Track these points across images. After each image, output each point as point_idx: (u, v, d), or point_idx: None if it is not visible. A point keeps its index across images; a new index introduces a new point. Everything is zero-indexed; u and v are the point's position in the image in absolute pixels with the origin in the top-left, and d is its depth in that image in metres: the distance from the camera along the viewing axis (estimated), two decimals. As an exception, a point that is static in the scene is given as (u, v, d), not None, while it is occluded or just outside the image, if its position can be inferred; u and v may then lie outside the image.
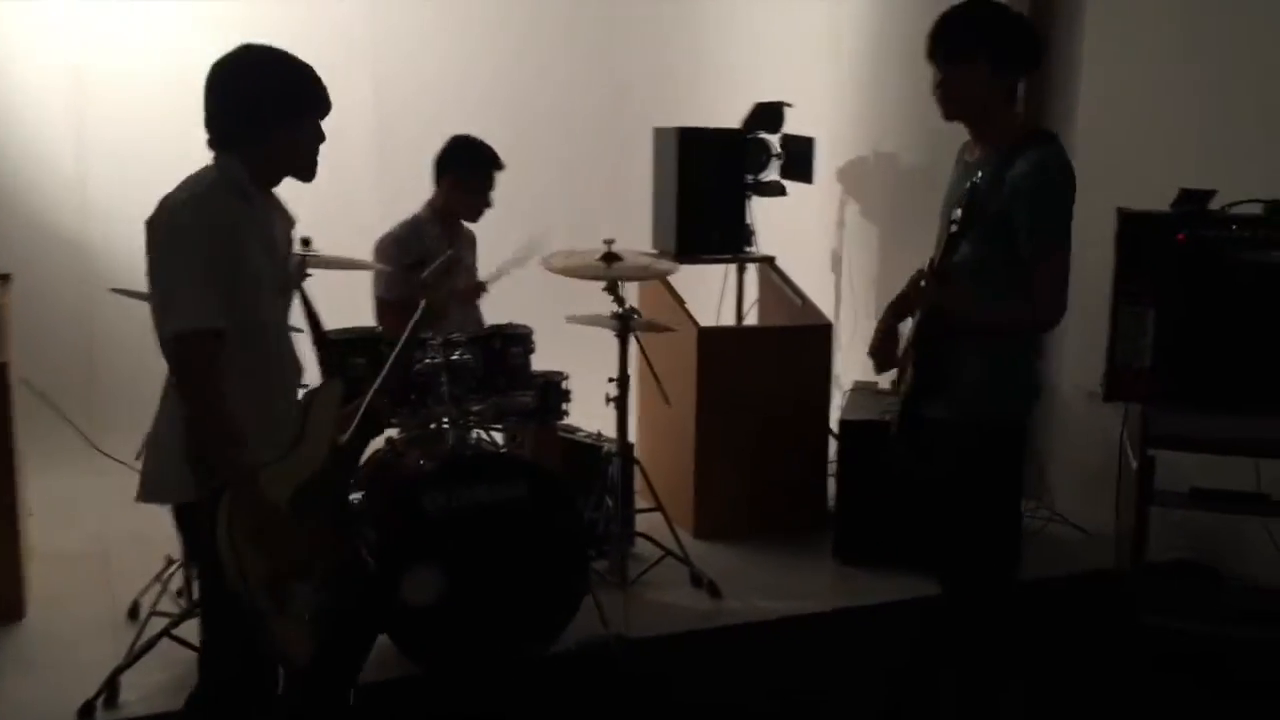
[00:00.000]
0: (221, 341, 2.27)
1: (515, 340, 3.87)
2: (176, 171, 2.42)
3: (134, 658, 3.46)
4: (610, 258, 4.00)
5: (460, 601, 3.48)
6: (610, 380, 4.09)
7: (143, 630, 3.64)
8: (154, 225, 2.31)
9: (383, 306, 4.45)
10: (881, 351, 3.01)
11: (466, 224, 4.59)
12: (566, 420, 4.40)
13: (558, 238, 4.34)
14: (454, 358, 3.69)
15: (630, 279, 4.08)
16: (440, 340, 3.73)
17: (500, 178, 4.43)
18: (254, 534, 2.26)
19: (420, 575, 3.42)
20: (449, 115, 5.18)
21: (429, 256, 4.40)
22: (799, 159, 5.63)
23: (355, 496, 3.60)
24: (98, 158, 5.47)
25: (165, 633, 3.53)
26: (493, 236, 4.64)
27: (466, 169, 4.36)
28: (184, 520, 2.43)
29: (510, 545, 3.55)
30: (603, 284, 3.96)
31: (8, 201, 5.28)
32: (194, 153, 2.45)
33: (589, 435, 4.74)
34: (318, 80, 2.45)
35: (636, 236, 5.23)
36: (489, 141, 4.43)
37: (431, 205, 4.46)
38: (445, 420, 3.68)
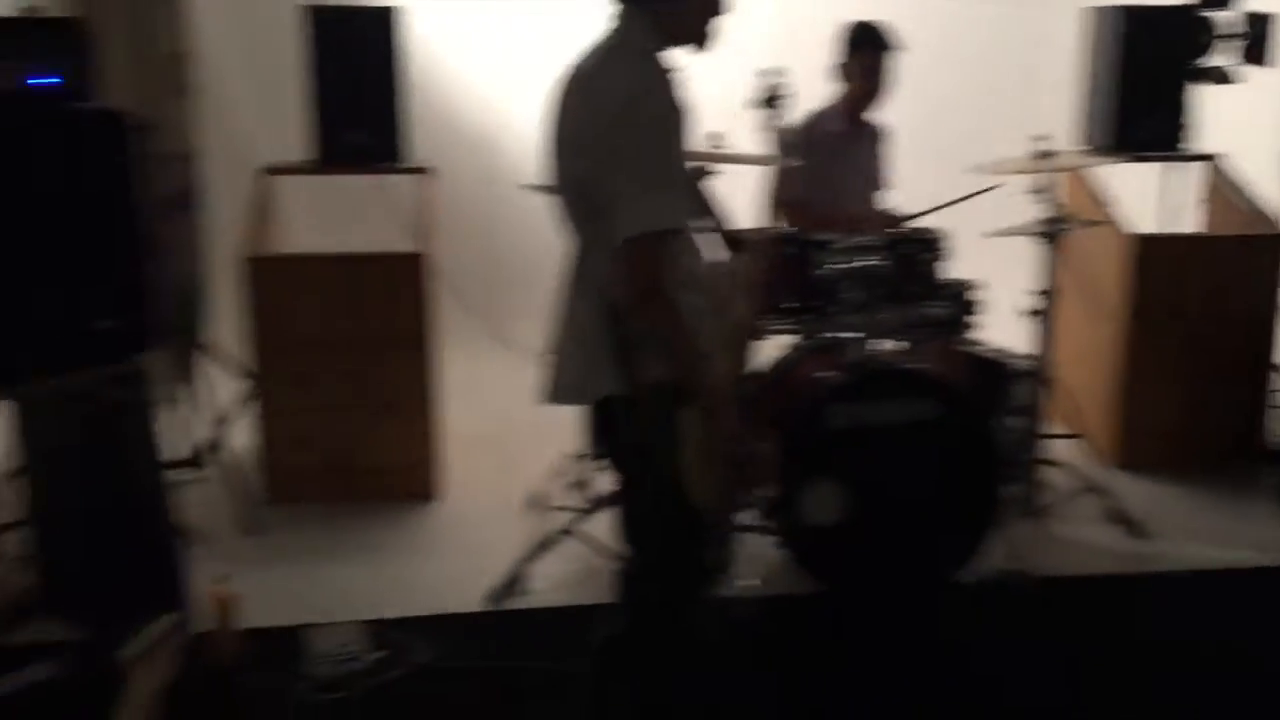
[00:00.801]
0: (673, 242, 2.15)
1: (926, 246, 3.56)
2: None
3: (537, 550, 3.54)
4: (1044, 156, 3.58)
5: (860, 521, 3.28)
6: (1032, 294, 3.70)
7: (543, 522, 3.72)
8: (601, 113, 2.14)
9: (791, 206, 4.26)
10: None
11: (872, 119, 4.29)
12: (971, 334, 4.07)
13: (970, 133, 3.97)
14: (860, 263, 3.44)
15: (1064, 169, 3.63)
16: (846, 244, 3.49)
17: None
18: (724, 443, 2.16)
19: (821, 491, 3.26)
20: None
21: (822, 152, 4.18)
22: (1254, 39, 4.85)
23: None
24: (512, 53, 5.58)
25: (567, 530, 3.59)
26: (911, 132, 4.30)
27: (845, 52, 4.05)
28: (607, 415, 2.32)
29: (916, 467, 3.31)
30: (1026, 188, 3.57)
31: (427, 97, 5.50)
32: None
33: (995, 350, 4.36)
34: None
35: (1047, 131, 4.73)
36: (893, 25, 4.07)
37: (835, 97, 4.20)
38: (848, 330, 3.45)
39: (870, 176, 4.27)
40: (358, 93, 4.19)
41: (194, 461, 4.07)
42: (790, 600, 3.37)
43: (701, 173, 3.62)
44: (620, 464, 2.36)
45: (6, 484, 3.48)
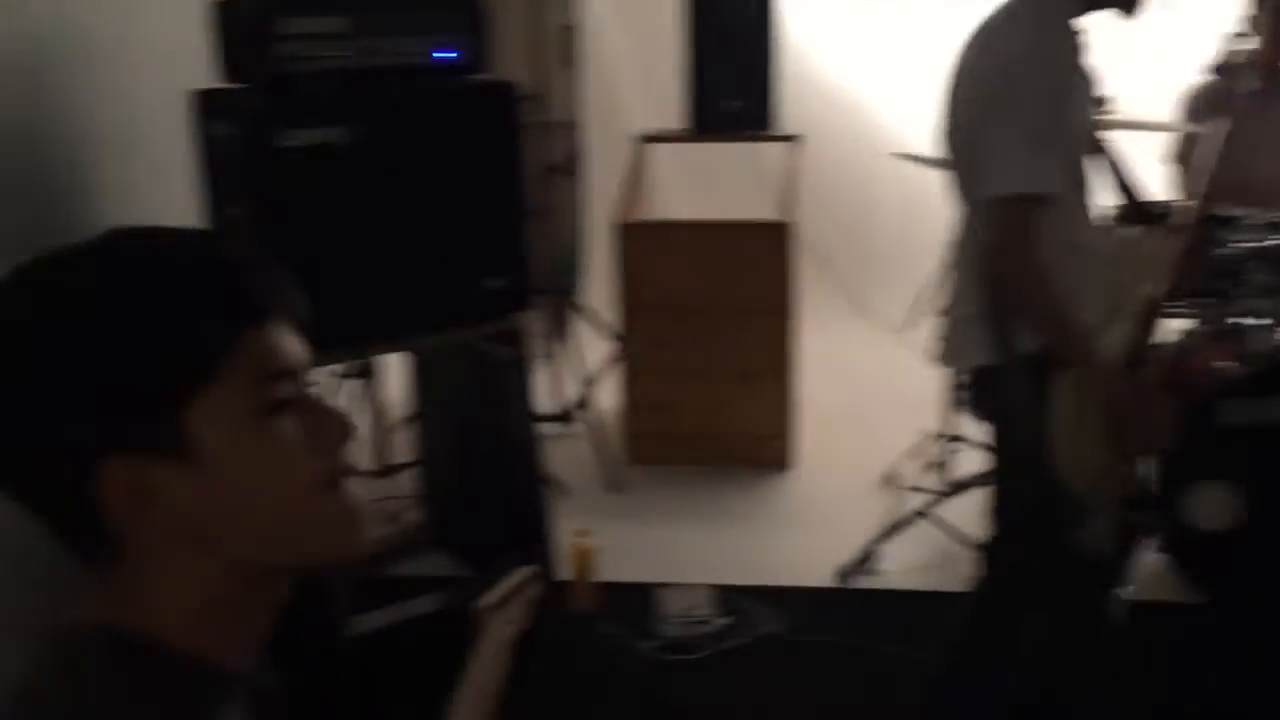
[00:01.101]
0: (1045, 208, 2.03)
1: (1359, 225, 3.14)
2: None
3: (890, 530, 3.45)
4: None
5: (1254, 529, 2.96)
6: None
7: (898, 502, 3.63)
8: (994, 66, 2.08)
9: (1183, 176, 3.90)
10: None
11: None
12: None
13: None
14: (1272, 241, 3.07)
15: None
16: (1257, 220, 3.13)
17: None
18: (1096, 418, 2.03)
19: (1209, 494, 2.96)
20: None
21: (1234, 115, 3.75)
22: None
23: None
24: (884, 22, 5.45)
25: (922, 512, 3.48)
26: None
27: (1255, 3, 3.59)
28: (979, 384, 2.27)
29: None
30: None
31: (798, 66, 5.46)
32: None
33: None
34: None
35: None
36: None
37: (1246, 54, 3.77)
38: (1252, 316, 3.10)
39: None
40: (732, 62, 4.22)
41: (563, 417, 4.28)
42: (1166, 609, 3.09)
43: (1102, 142, 3.41)
44: (990, 434, 2.27)
45: (405, 427, 3.81)
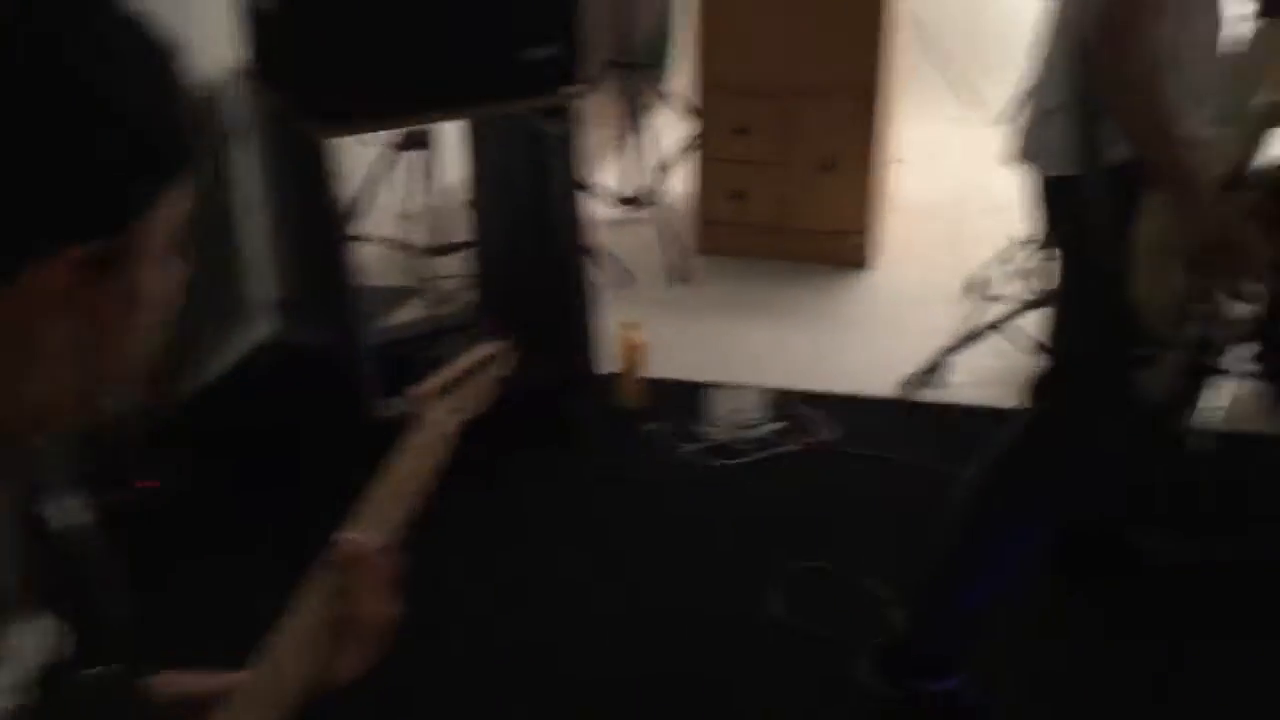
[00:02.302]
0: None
1: None
2: None
3: (964, 341, 3.23)
4: None
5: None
6: None
7: (978, 310, 3.38)
8: None
9: None
10: None
11: None
12: None
13: None
14: None
15: None
16: None
17: None
18: (1187, 246, 1.77)
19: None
20: None
21: None
22: None
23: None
24: None
25: (996, 324, 3.23)
26: None
27: None
28: (1054, 195, 1.97)
29: None
30: None
31: None
32: None
33: None
34: None
35: None
36: None
37: None
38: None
39: None
40: None
41: (635, 201, 4.08)
42: (1259, 441, 2.84)
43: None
44: (1063, 248, 2.01)
45: (463, 205, 3.66)
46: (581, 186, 2.98)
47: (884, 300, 3.71)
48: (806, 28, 3.69)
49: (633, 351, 3.04)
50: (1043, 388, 2.04)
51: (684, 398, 3.05)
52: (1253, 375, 2.76)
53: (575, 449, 2.93)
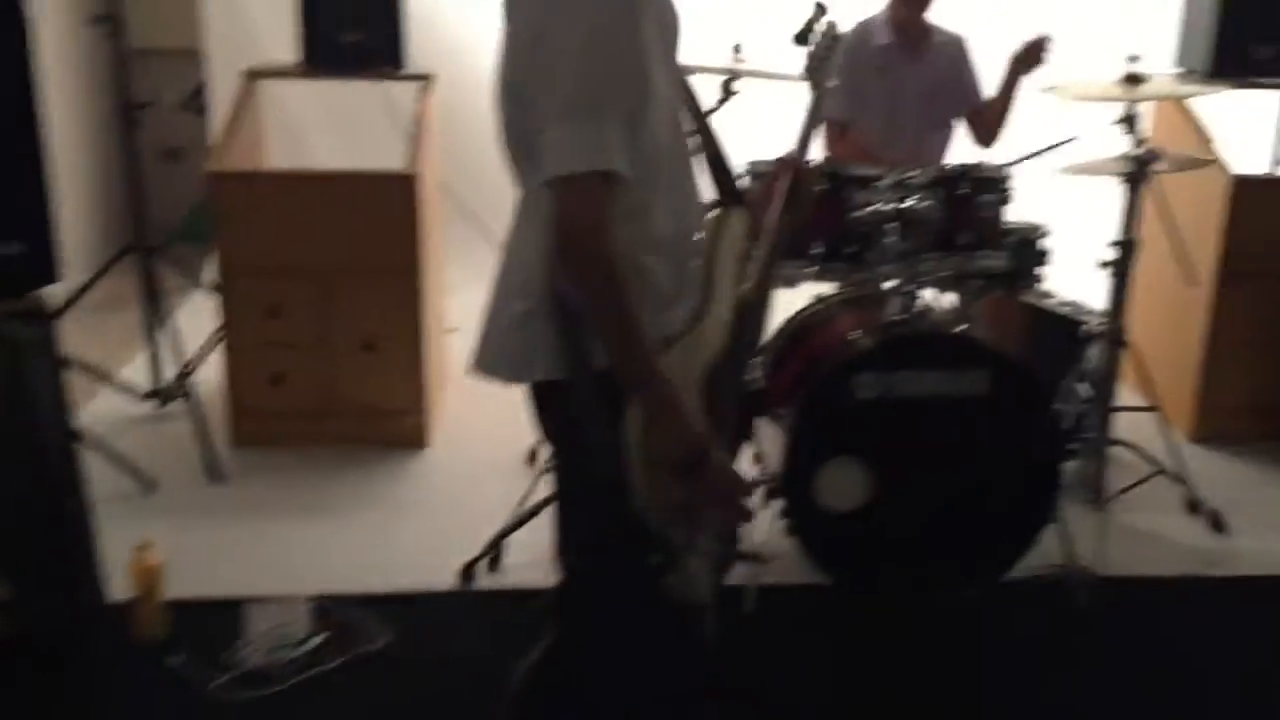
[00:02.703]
0: (618, 188, 1.61)
1: (988, 185, 3.01)
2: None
3: (523, 518, 3.12)
4: (1132, 80, 3.00)
5: (888, 510, 2.81)
6: (1110, 245, 3.15)
7: (538, 483, 3.30)
8: (537, 9, 1.64)
9: (828, 129, 3.73)
10: None
11: (938, 31, 3.71)
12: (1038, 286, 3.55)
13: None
14: (907, 204, 2.90)
15: (1153, 97, 3.04)
16: (891, 180, 2.96)
17: None
18: (673, 459, 1.66)
19: (842, 473, 2.78)
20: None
21: (868, 71, 3.62)
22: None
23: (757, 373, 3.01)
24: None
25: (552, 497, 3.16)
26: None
27: None
28: (542, 401, 1.82)
29: (959, 447, 2.81)
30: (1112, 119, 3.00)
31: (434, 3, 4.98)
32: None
33: (1065, 304, 3.81)
34: None
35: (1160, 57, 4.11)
36: None
37: (888, 8, 3.64)
38: (888, 281, 2.94)
39: (935, 100, 3.70)
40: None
41: (162, 395, 3.71)
42: (795, 592, 2.91)
43: (728, 91, 3.15)
44: (558, 457, 1.89)
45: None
46: (65, 399, 2.61)
47: (442, 481, 3.55)
48: (334, 206, 3.55)
49: (148, 575, 2.67)
50: (560, 607, 1.91)
51: (215, 620, 2.70)
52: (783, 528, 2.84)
53: (83, 696, 2.51)
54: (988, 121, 3.65)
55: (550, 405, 1.78)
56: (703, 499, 1.67)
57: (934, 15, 3.68)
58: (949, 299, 3.73)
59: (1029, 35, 3.43)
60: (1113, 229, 3.19)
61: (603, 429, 1.66)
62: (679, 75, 1.83)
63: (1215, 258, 3.71)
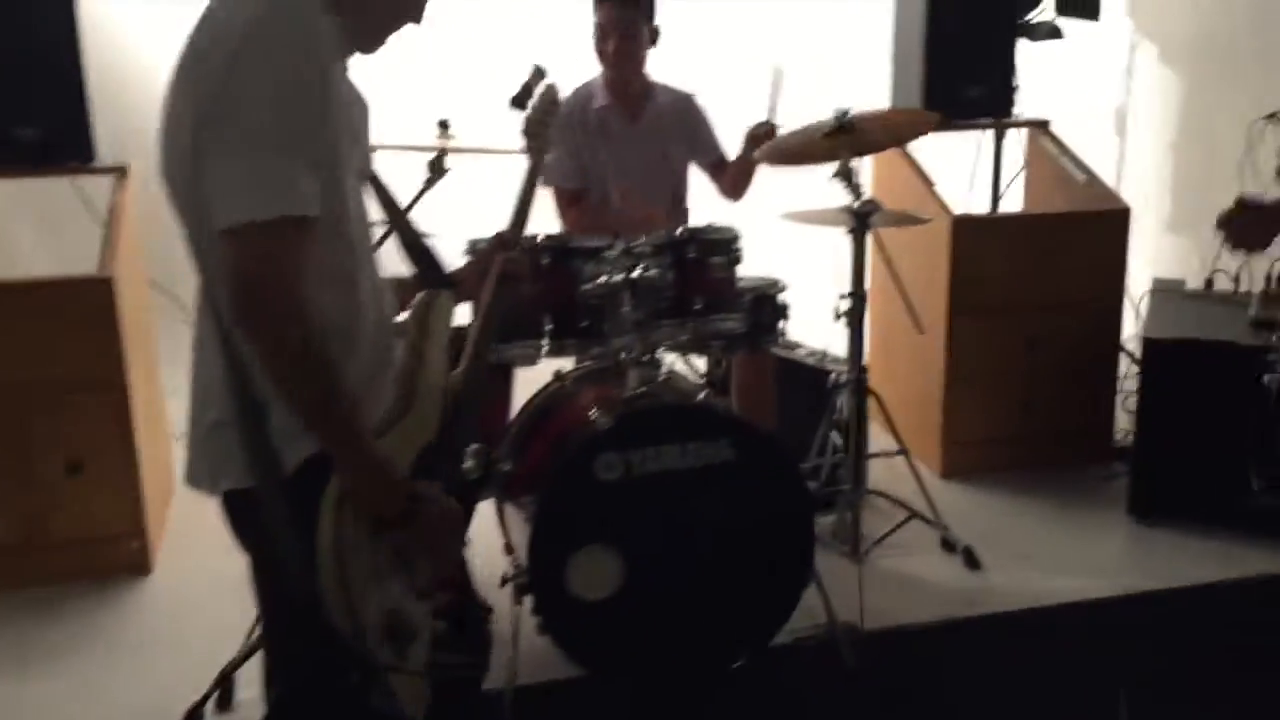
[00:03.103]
0: (304, 243, 1.49)
1: (716, 247, 2.95)
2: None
3: (254, 648, 2.83)
4: (842, 130, 3.02)
5: (640, 592, 2.68)
6: (841, 297, 3.15)
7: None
8: (207, 60, 1.52)
9: (558, 199, 3.63)
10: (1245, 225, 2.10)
11: (669, 92, 3.67)
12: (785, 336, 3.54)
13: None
14: (636, 273, 2.80)
15: (868, 152, 3.06)
16: (619, 249, 2.87)
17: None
18: (385, 515, 1.56)
19: (590, 560, 2.64)
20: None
21: (589, 136, 3.56)
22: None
23: (505, 460, 2.85)
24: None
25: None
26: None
27: (595, 8, 3.44)
28: (236, 512, 1.68)
29: (710, 521, 2.71)
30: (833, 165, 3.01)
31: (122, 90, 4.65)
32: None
33: (812, 354, 3.83)
34: None
35: (874, 101, 4.21)
36: None
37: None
38: (625, 353, 2.83)
39: (664, 159, 3.65)
40: (29, 79, 3.38)
41: None
42: (555, 689, 2.75)
43: (440, 169, 3.00)
44: (254, 571, 1.72)
45: None
46: None
47: (167, 610, 3.21)
48: (23, 316, 3.21)
49: None
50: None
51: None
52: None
53: None
54: (732, 177, 3.63)
55: (243, 516, 1.64)
56: (417, 550, 1.55)
57: (661, 74, 3.65)
58: (700, 361, 3.70)
59: (758, 118, 3.39)
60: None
61: (294, 538, 1.52)
62: (366, 161, 1.72)
63: (944, 296, 3.79)
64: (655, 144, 3.62)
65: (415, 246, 1.86)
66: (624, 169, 3.57)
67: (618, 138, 3.58)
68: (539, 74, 2.18)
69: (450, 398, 1.75)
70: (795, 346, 3.87)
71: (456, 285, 1.88)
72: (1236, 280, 3.88)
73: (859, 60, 4.65)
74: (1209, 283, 3.94)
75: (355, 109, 1.67)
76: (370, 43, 1.67)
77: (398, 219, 1.86)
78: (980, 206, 4.51)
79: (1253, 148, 4.24)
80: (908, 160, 3.96)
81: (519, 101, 2.14)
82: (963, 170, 4.54)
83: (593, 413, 2.72)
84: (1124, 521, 3.60)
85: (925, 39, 3.99)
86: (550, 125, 2.18)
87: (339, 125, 1.55)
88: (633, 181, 3.53)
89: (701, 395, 2.82)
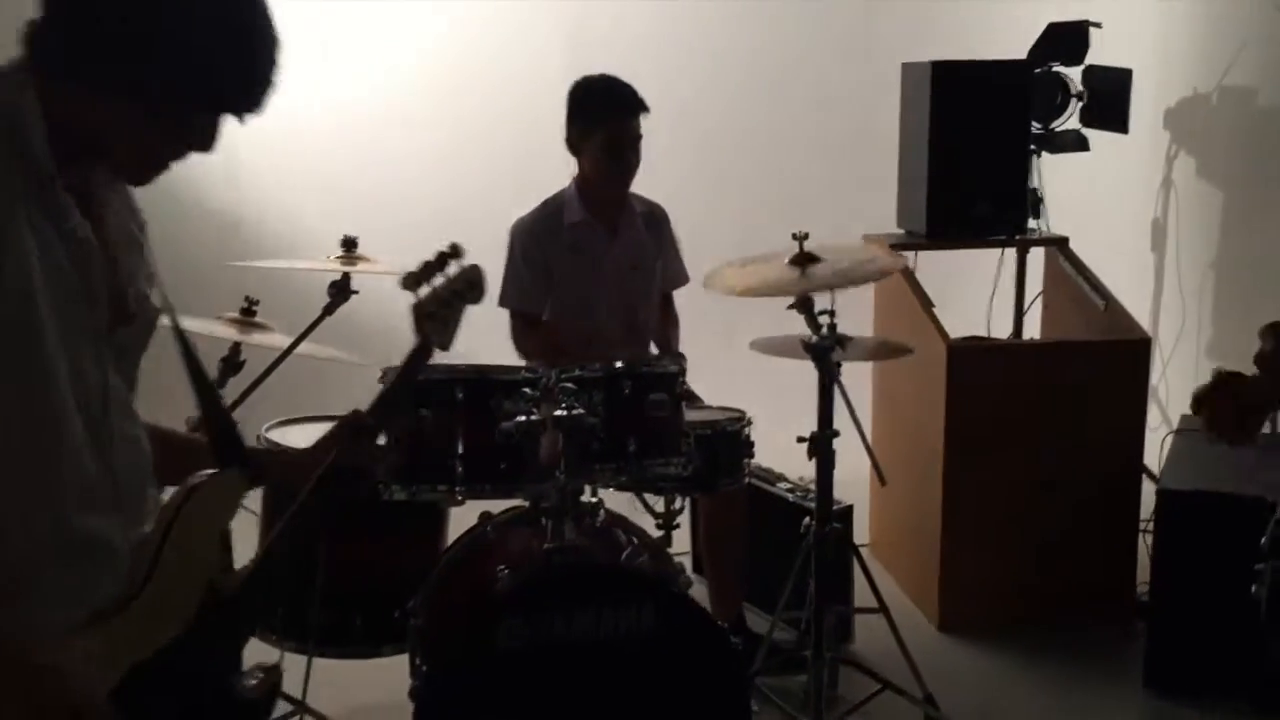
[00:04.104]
0: None
1: (655, 383, 2.64)
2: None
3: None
4: (805, 259, 2.72)
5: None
6: (800, 440, 2.82)
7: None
8: None
9: (514, 324, 3.37)
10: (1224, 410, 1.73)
11: (643, 203, 3.43)
12: (760, 463, 3.26)
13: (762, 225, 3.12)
14: (561, 412, 2.50)
15: (830, 287, 2.75)
16: (547, 383, 2.57)
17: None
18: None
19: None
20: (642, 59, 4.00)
21: (561, 253, 3.32)
22: (1108, 99, 4.11)
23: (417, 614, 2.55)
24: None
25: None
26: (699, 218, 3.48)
27: (584, 117, 3.20)
28: None
29: (631, 696, 2.38)
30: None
31: None
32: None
33: (794, 488, 3.48)
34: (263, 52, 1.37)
35: (886, 217, 3.96)
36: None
37: (575, 178, 3.34)
38: (543, 501, 2.53)
39: (639, 273, 3.39)
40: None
41: None
42: None
43: (345, 292, 2.76)
44: None
45: None
46: None
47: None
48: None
49: None
50: None
51: None
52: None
53: None
54: (667, 320, 3.43)
55: None
56: None
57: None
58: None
59: None
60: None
61: None
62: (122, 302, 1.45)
63: (941, 431, 3.45)
64: (633, 255, 3.38)
65: (216, 420, 1.58)
66: (599, 287, 3.32)
67: (593, 253, 3.32)
68: (453, 253, 1.86)
69: (219, 594, 1.46)
70: (776, 478, 3.54)
71: (257, 468, 1.60)
72: (1274, 422, 3.47)
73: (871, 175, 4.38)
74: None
75: (92, 257, 1.38)
76: (135, 176, 1.42)
77: (203, 391, 1.58)
78: (1002, 330, 4.17)
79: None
80: (907, 278, 3.64)
81: (416, 281, 1.81)
82: (983, 291, 4.21)
83: (502, 570, 2.41)
84: (1140, 698, 3.17)
85: (930, 150, 3.71)
86: (460, 311, 1.88)
87: (27, 288, 1.29)
88: (610, 298, 3.28)
89: (628, 553, 2.49)
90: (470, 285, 1.87)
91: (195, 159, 1.42)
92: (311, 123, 4.28)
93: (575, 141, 3.25)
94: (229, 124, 1.40)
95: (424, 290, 1.81)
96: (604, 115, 3.19)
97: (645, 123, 3.24)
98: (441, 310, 1.83)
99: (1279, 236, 4.12)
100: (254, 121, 1.42)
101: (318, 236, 2.70)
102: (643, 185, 3.41)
